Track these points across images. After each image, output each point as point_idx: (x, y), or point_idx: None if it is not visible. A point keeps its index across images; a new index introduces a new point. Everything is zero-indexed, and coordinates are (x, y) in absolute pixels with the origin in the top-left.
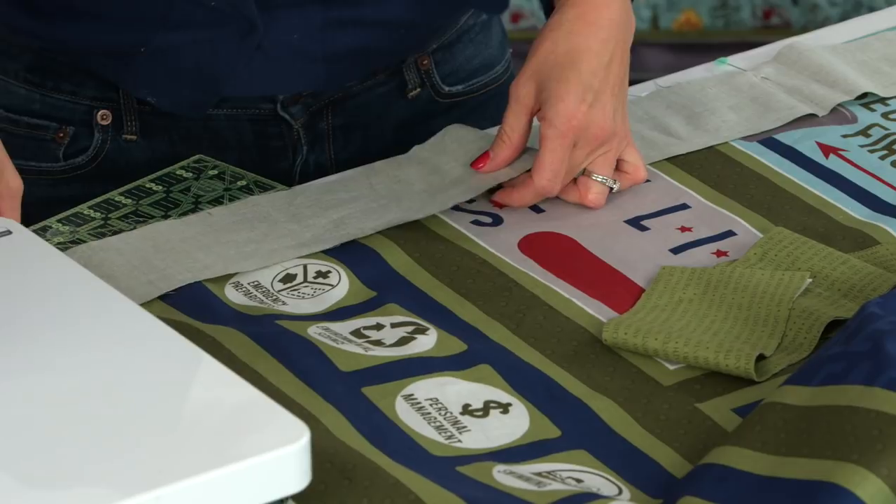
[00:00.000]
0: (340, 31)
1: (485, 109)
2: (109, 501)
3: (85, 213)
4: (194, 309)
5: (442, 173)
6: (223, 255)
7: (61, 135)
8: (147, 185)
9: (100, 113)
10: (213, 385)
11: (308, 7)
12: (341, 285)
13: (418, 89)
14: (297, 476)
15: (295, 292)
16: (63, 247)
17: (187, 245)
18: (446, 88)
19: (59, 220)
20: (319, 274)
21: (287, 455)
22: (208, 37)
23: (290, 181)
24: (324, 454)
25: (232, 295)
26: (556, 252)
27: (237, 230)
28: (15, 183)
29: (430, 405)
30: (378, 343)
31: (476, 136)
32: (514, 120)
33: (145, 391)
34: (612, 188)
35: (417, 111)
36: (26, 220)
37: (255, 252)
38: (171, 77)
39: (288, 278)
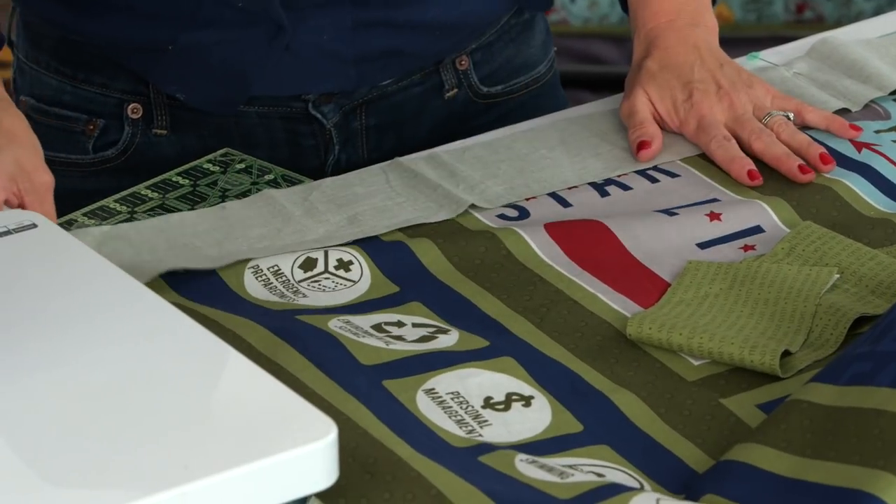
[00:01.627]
0: (371, 32)
1: (524, 110)
2: (134, 498)
3: (111, 206)
4: (213, 300)
5: (457, 178)
6: (234, 252)
7: (91, 127)
8: (174, 179)
9: (130, 106)
10: (239, 380)
11: (337, 8)
12: (363, 281)
13: (455, 90)
14: (324, 473)
15: (316, 284)
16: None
17: (199, 241)
18: (485, 89)
19: (84, 214)
20: (340, 264)
21: (314, 452)
22: (236, 36)
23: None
24: (346, 448)
25: (251, 285)
26: (583, 239)
27: (250, 225)
28: (45, 178)
29: (452, 399)
30: (399, 339)
31: (497, 157)
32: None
33: (170, 386)
34: (788, 117)
35: (454, 111)
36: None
37: (267, 248)
38: (199, 74)
39: (308, 263)
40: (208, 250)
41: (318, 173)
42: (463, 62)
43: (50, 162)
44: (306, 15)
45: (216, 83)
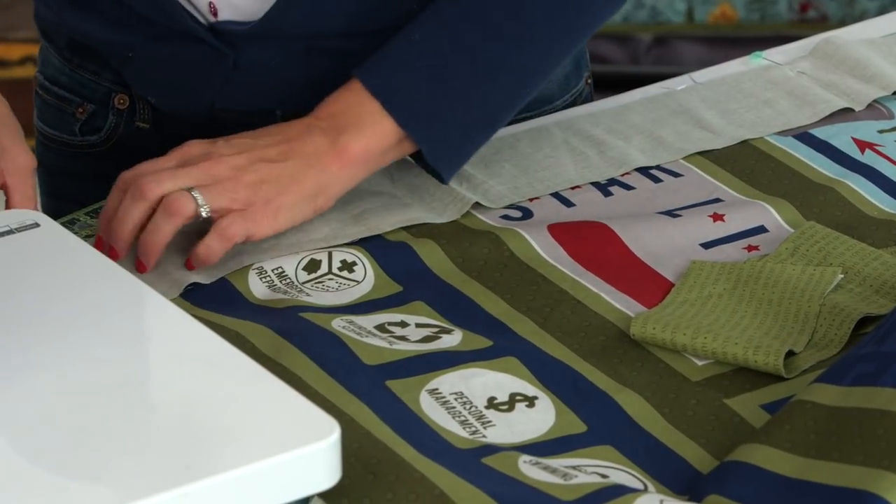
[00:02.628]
0: (326, 58)
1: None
2: (135, 498)
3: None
4: (216, 304)
5: (460, 177)
6: (239, 249)
7: (81, 110)
8: None
9: (117, 97)
10: (241, 380)
11: (283, 40)
12: (367, 281)
13: None
14: (327, 473)
15: (319, 285)
16: (91, 240)
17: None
18: None
19: (86, 213)
20: (344, 265)
21: (316, 452)
22: (187, 52)
23: None
24: (349, 449)
25: (255, 286)
26: (586, 239)
27: None
28: (23, 160)
29: (455, 399)
30: (402, 339)
31: (500, 156)
32: None
33: (172, 386)
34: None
35: None
36: (49, 188)
37: (272, 247)
38: (162, 82)
39: (312, 265)
40: None
41: None
42: None
43: (47, 137)
44: (250, 44)
45: (178, 92)
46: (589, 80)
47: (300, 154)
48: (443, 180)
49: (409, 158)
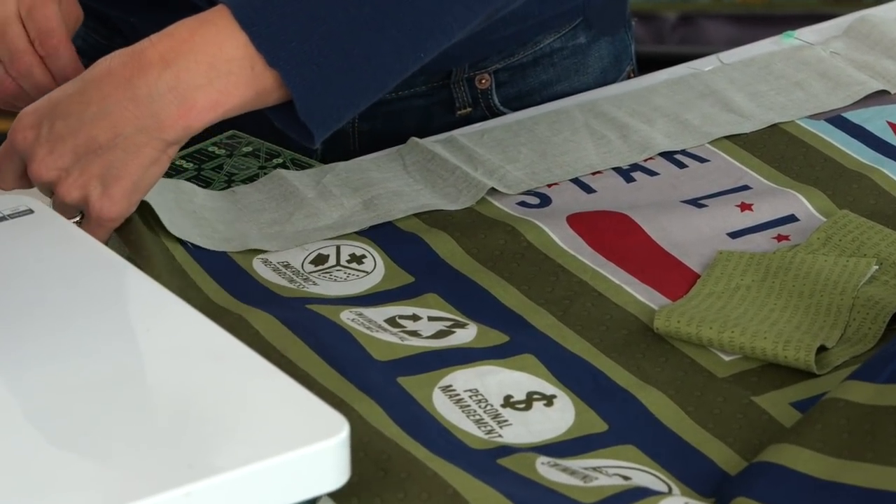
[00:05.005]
0: None
1: None
2: (136, 498)
3: None
4: (221, 273)
5: (476, 162)
6: (244, 232)
7: None
8: (177, 162)
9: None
10: (246, 374)
11: None
12: (376, 272)
13: (469, 109)
14: (336, 473)
15: (327, 275)
16: None
17: (208, 214)
18: (508, 112)
19: None
20: (353, 258)
21: (325, 450)
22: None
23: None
24: (358, 444)
25: (260, 269)
26: (606, 230)
27: (261, 209)
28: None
29: (470, 397)
30: (414, 334)
31: (517, 140)
32: None
33: (174, 381)
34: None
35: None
36: None
37: (278, 234)
38: None
39: (319, 259)
40: (216, 224)
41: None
42: (483, 80)
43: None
44: None
45: None
46: (632, 73)
47: (134, 125)
48: (311, 141)
49: (419, 142)
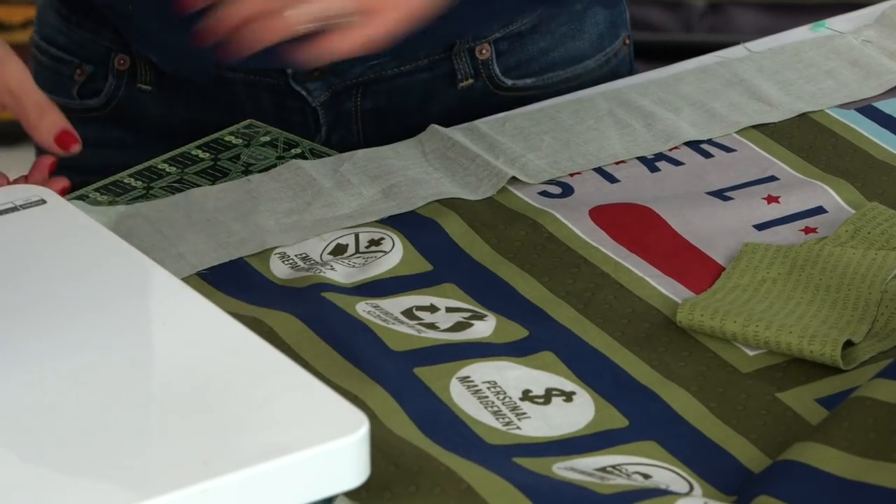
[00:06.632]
0: None
1: None
2: (151, 496)
3: (125, 181)
4: (234, 286)
5: (497, 150)
6: (262, 226)
7: (79, 72)
8: (193, 152)
9: (118, 57)
10: (262, 369)
11: None
12: (395, 252)
13: (471, 80)
14: (354, 471)
15: (346, 261)
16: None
17: (222, 215)
18: (509, 82)
19: (96, 189)
20: (372, 242)
21: (343, 447)
22: None
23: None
24: (371, 439)
25: (277, 268)
26: (630, 224)
27: (278, 199)
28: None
29: (488, 388)
30: (431, 326)
31: (540, 128)
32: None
33: (188, 376)
34: None
35: (471, 102)
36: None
37: (296, 224)
38: (165, 38)
39: (339, 250)
40: (232, 225)
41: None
42: (483, 51)
43: None
44: None
45: (181, 49)
46: (627, 41)
47: None
48: None
49: (439, 129)
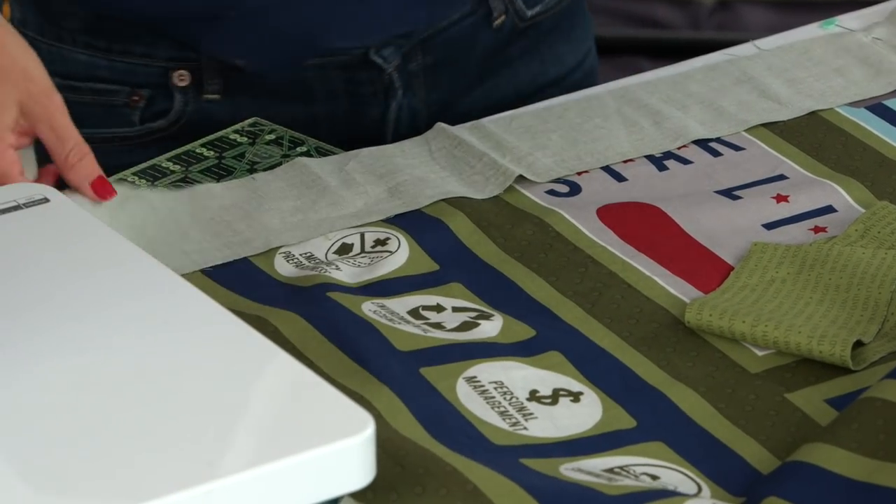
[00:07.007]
0: None
1: (559, 31)
2: (155, 496)
3: (129, 179)
4: (239, 284)
5: (504, 149)
6: (266, 225)
7: (136, 98)
8: (197, 151)
9: (177, 73)
10: (269, 370)
11: None
12: (400, 252)
13: (503, 17)
14: (360, 471)
15: (350, 260)
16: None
17: (227, 214)
18: (528, 13)
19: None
20: (378, 242)
21: (349, 448)
22: None
23: (382, 129)
24: (376, 440)
25: (282, 267)
26: (637, 223)
27: (283, 197)
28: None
29: (495, 389)
30: (438, 326)
31: (547, 127)
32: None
33: (193, 376)
34: None
35: (500, 41)
36: None
37: (301, 223)
38: (262, 38)
39: (344, 249)
40: (237, 224)
41: (378, 123)
42: None
43: (90, 139)
44: None
45: (279, 45)
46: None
47: None
48: None
49: (445, 127)
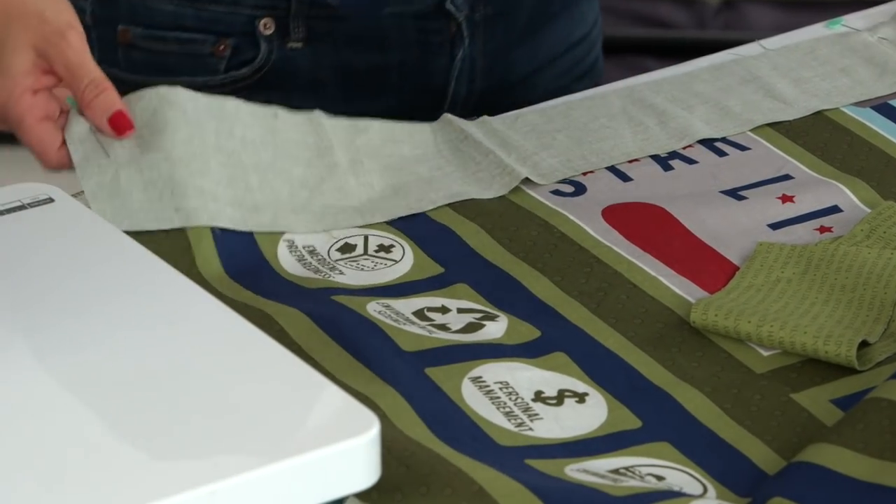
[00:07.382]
0: None
1: None
2: (159, 497)
3: None
4: (243, 272)
5: (509, 148)
6: (276, 192)
7: (222, 48)
8: None
9: (262, 21)
10: (274, 369)
11: None
12: (405, 261)
13: None
14: (365, 472)
15: (354, 263)
16: None
17: (245, 151)
18: None
19: None
20: (381, 248)
21: (354, 448)
22: None
23: (447, 78)
24: (381, 440)
25: (285, 258)
26: (643, 223)
27: (295, 157)
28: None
29: (500, 389)
30: (443, 327)
31: (552, 126)
32: None
33: (197, 376)
34: None
35: None
36: None
37: (306, 204)
38: None
39: (347, 248)
40: (251, 176)
41: (444, 72)
42: None
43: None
44: None
45: None
46: None
47: None
48: None
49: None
